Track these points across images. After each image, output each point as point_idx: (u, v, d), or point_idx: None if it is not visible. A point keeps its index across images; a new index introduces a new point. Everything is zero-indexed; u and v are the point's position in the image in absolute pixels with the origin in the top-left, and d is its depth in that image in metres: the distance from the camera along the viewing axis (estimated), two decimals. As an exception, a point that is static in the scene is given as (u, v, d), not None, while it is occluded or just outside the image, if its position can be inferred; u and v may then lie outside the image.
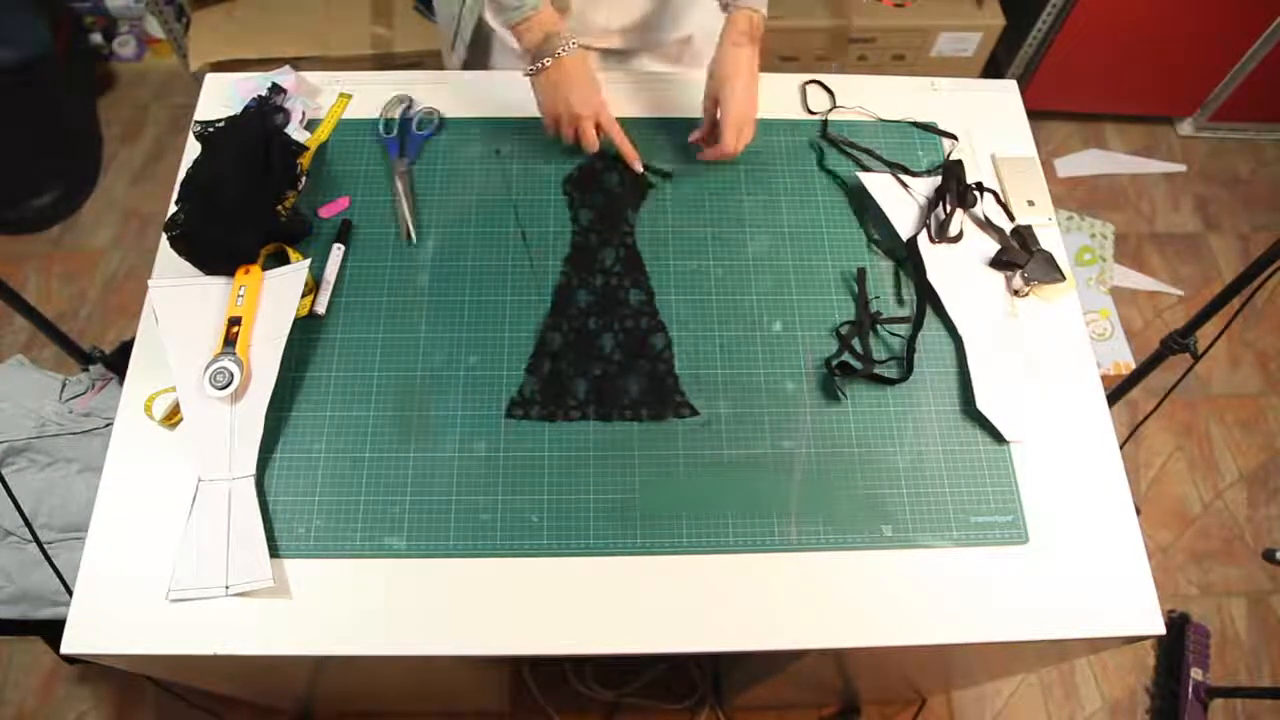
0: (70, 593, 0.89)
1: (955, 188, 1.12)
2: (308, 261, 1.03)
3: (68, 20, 2.40)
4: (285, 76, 1.17)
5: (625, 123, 1.12)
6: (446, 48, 1.31)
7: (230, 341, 0.97)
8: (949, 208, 1.11)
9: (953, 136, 1.20)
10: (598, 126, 1.08)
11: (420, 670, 1.12)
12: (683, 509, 0.95)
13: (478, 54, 1.30)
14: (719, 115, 1.07)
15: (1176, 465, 2.00)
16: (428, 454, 0.97)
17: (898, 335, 1.06)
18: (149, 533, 0.91)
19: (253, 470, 0.93)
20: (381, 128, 1.17)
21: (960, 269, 1.09)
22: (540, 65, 1.04)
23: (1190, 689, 1.69)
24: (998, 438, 1.00)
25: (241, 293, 1.00)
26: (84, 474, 1.30)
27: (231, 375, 0.94)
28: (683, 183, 1.15)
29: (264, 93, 1.15)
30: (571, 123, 1.07)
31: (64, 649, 0.86)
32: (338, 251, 1.07)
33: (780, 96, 1.23)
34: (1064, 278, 1.08)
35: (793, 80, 1.25)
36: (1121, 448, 1.01)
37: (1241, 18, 2.12)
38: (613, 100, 1.10)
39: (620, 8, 1.21)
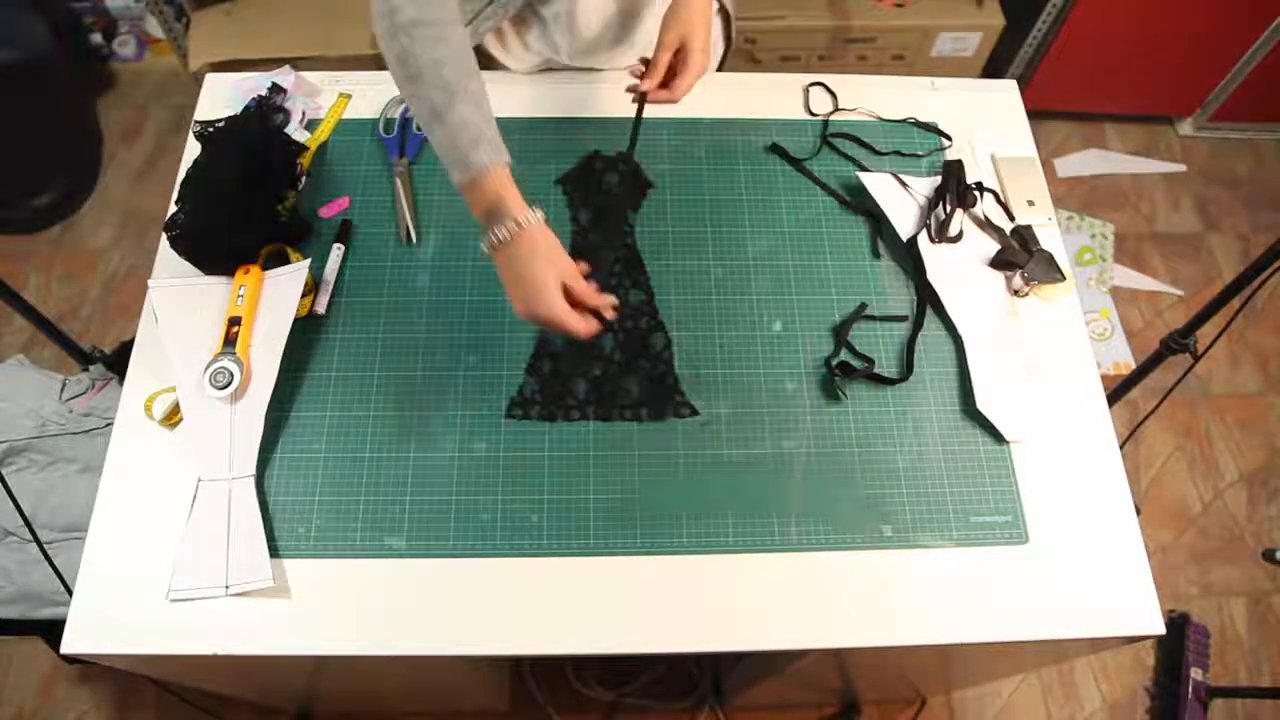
0: (70, 593, 0.89)
1: (955, 188, 1.12)
2: (308, 261, 1.03)
3: (68, 20, 2.40)
4: (285, 76, 1.17)
5: (620, 124, 1.11)
6: None
7: (230, 341, 0.97)
8: (949, 208, 1.11)
9: (952, 137, 1.20)
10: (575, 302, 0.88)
11: (420, 670, 1.12)
12: (683, 509, 0.95)
13: (476, 57, 1.29)
14: (682, 64, 1.01)
15: (1176, 465, 2.00)
16: (428, 454, 0.97)
17: (898, 335, 1.06)
18: (149, 533, 0.91)
19: (253, 470, 0.93)
20: (381, 128, 1.17)
21: (960, 269, 1.09)
22: (493, 240, 0.86)
23: (1190, 689, 1.69)
24: (998, 438, 1.00)
25: (241, 293, 1.00)
26: (84, 474, 1.30)
27: (231, 375, 0.94)
28: (683, 183, 1.15)
29: (264, 93, 1.15)
30: (547, 326, 0.87)
31: (64, 649, 0.86)
32: (338, 251, 1.07)
33: (782, 97, 1.23)
34: (1064, 278, 1.08)
35: (795, 81, 1.25)
36: (1121, 448, 1.01)
37: (1241, 18, 2.12)
38: (610, 100, 1.07)
39: (604, 18, 1.16)
